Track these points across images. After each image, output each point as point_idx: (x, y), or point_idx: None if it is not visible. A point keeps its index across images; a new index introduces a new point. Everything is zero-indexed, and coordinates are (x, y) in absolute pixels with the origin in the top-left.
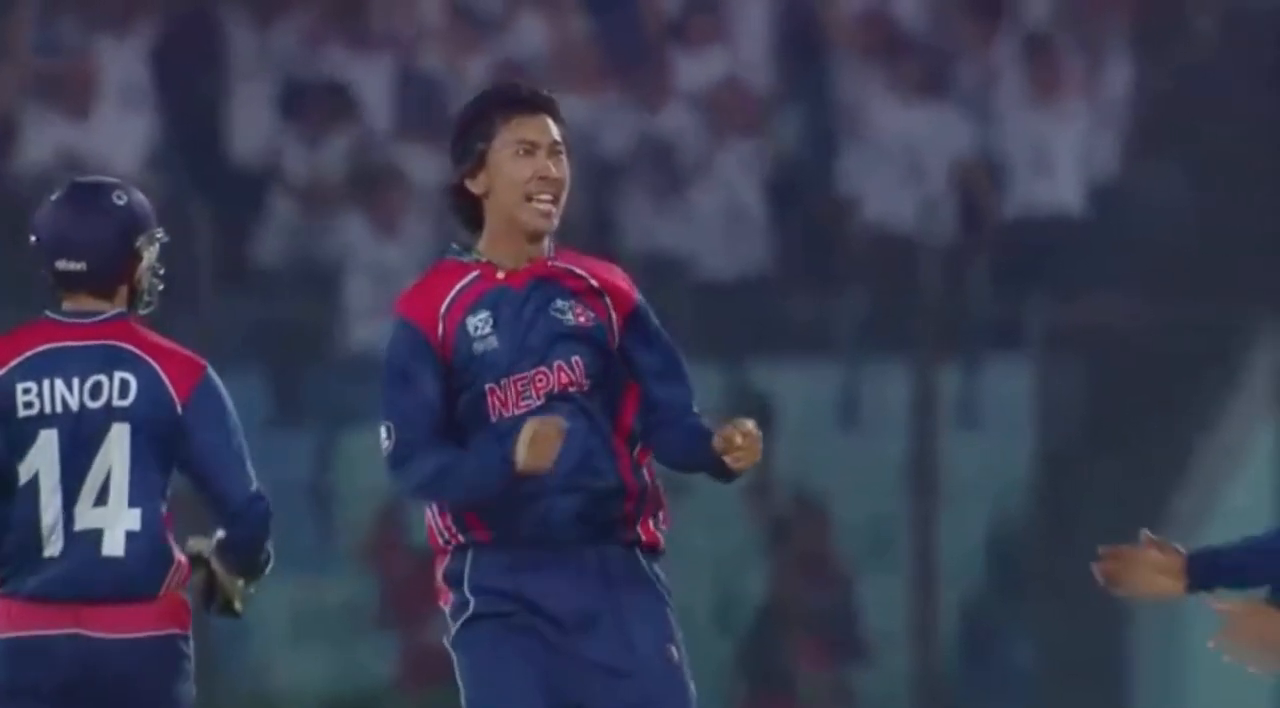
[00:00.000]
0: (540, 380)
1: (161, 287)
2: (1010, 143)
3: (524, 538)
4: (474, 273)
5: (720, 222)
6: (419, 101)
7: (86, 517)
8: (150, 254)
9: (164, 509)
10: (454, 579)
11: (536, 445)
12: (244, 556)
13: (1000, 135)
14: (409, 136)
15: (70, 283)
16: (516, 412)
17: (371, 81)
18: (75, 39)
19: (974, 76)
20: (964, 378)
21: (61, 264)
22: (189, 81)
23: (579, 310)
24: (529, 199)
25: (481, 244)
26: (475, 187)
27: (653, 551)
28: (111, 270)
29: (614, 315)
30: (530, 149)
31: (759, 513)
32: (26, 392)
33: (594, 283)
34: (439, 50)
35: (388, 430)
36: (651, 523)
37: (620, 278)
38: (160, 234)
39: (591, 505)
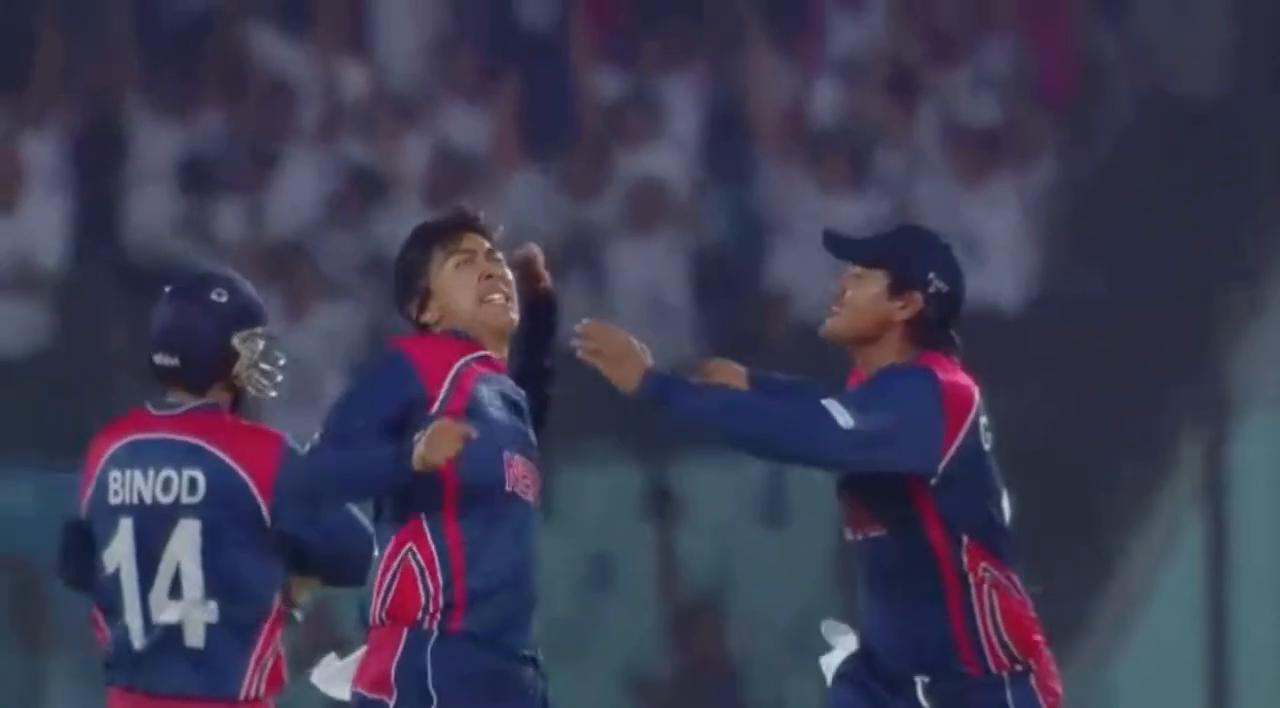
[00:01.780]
0: (531, 476)
1: (278, 379)
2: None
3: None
4: (480, 351)
5: (644, 314)
6: (347, 189)
7: (164, 609)
8: (250, 351)
9: (268, 603)
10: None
11: (437, 439)
12: (345, 583)
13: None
14: (337, 223)
15: (165, 377)
16: (518, 491)
17: (295, 170)
18: (3, 131)
19: (897, 167)
20: None
21: (158, 358)
22: (103, 174)
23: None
24: (483, 300)
25: None
26: (429, 317)
27: None
28: (204, 367)
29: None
30: (469, 258)
31: (671, 608)
32: (115, 481)
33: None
34: (368, 139)
35: (324, 428)
36: None
37: None
38: (264, 331)
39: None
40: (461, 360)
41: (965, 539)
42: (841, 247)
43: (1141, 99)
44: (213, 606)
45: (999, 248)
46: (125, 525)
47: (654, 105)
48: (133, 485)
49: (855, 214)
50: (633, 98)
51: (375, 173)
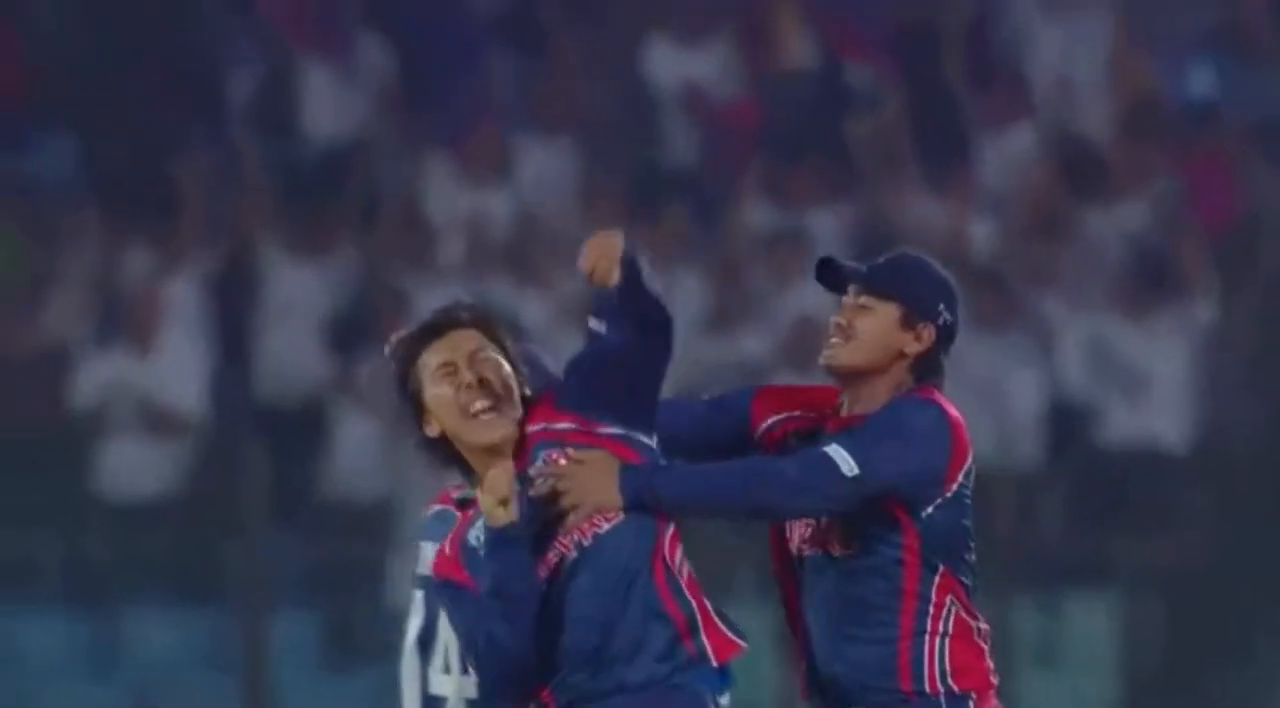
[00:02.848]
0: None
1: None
2: (1092, 373)
3: None
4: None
5: None
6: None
7: (435, 682)
8: None
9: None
10: None
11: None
12: None
13: (1082, 365)
14: None
15: None
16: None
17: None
18: (139, 271)
19: (1054, 303)
20: (1044, 615)
21: None
22: (239, 314)
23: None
24: (467, 414)
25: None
26: (433, 431)
27: None
28: None
29: None
30: (449, 369)
31: None
32: (419, 550)
33: None
34: (509, 275)
35: (471, 647)
36: None
37: None
38: None
39: None
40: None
41: (940, 566)
42: (851, 275)
43: None
44: (470, 682)
45: (1160, 386)
46: (417, 597)
47: (805, 240)
48: (425, 557)
49: (1009, 351)
50: (784, 232)
51: (518, 310)
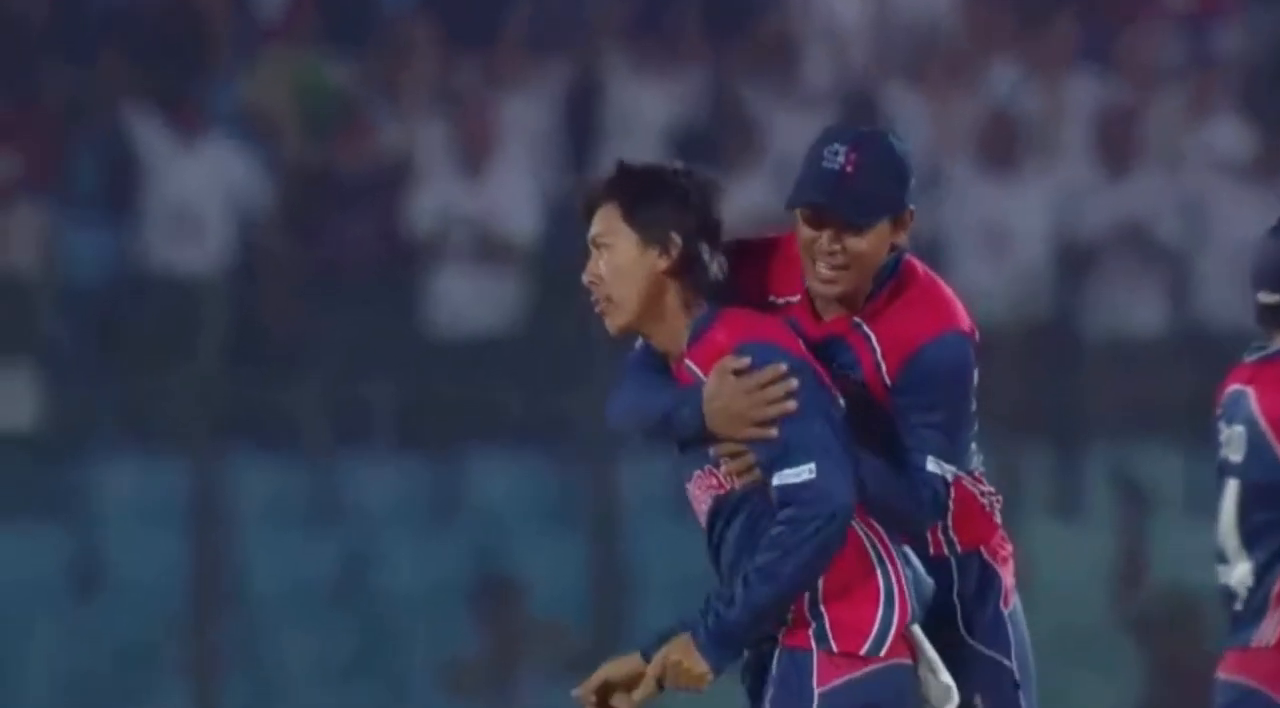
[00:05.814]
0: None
1: None
2: None
3: None
4: None
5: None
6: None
7: (1220, 572)
8: None
9: None
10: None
11: None
12: None
13: None
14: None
15: (1267, 319)
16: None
17: (787, 125)
18: (476, 90)
19: None
20: None
21: (1262, 296)
22: (579, 136)
23: None
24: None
25: None
26: None
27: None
28: None
29: None
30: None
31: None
32: (1219, 433)
33: None
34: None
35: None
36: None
37: None
38: None
39: None
40: None
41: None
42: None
43: None
44: (1248, 568)
45: None
46: (1223, 485)
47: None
48: (1223, 441)
49: None
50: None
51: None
